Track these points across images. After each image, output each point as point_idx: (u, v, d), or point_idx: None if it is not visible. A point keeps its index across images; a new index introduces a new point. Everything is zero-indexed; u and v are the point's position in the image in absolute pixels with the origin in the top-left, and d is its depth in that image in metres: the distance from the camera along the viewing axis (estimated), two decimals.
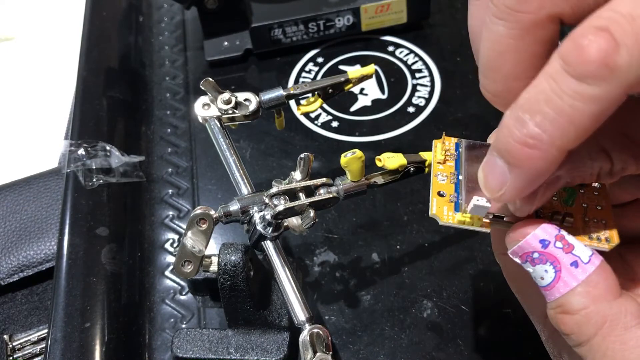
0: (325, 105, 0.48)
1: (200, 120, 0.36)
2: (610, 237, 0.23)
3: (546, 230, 0.22)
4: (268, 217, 0.30)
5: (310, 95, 0.38)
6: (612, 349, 0.20)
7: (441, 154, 0.27)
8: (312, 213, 0.29)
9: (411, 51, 0.52)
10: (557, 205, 0.24)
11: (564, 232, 0.22)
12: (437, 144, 0.27)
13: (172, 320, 0.38)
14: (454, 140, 0.27)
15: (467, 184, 0.25)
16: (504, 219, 0.24)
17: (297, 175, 0.31)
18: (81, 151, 0.43)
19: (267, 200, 0.30)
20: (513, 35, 0.19)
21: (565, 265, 0.21)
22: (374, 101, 0.48)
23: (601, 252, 0.22)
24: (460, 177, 0.26)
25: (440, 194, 0.25)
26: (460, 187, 0.25)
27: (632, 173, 0.22)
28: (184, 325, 0.37)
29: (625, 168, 0.22)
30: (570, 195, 0.24)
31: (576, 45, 0.17)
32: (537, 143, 0.19)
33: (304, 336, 0.28)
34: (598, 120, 0.18)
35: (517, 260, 0.23)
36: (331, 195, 0.30)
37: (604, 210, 0.24)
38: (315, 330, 0.28)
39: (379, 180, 0.32)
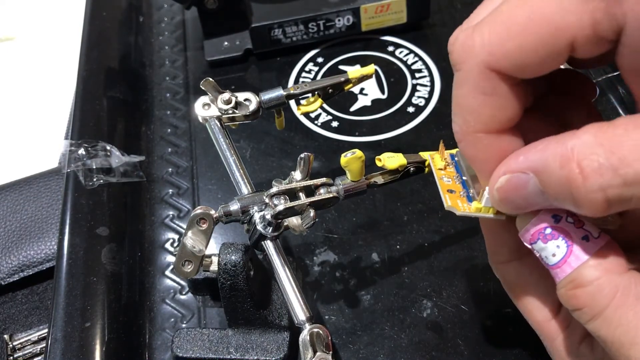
0: (325, 105, 0.48)
1: (201, 120, 0.36)
2: (614, 217, 0.24)
3: (558, 207, 0.22)
4: (268, 217, 0.30)
5: (310, 95, 0.38)
6: (625, 318, 0.21)
7: (441, 161, 0.28)
8: (312, 213, 0.29)
9: (411, 51, 0.52)
10: None
11: None
12: (433, 156, 0.29)
13: (172, 320, 0.38)
14: (447, 153, 0.29)
15: (473, 179, 0.26)
16: None
17: (297, 175, 0.31)
18: (81, 151, 0.43)
19: (267, 200, 0.30)
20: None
21: (576, 239, 0.22)
22: (374, 101, 0.48)
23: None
24: (464, 177, 0.27)
25: (450, 192, 0.26)
26: (467, 184, 0.26)
27: None
28: (184, 325, 0.37)
29: None
30: None
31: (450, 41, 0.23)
32: (457, 135, 0.23)
33: (304, 336, 0.28)
34: (477, 98, 0.22)
35: (527, 242, 0.23)
36: (331, 195, 0.30)
37: None
38: (315, 330, 0.28)
39: (379, 180, 0.32)
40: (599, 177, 0.18)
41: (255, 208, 0.31)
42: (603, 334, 0.21)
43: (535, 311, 0.27)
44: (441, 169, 0.28)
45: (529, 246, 0.23)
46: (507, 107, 0.22)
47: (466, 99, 0.23)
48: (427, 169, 0.32)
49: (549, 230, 0.22)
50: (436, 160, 0.29)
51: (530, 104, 0.24)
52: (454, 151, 0.29)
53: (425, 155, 0.32)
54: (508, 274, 0.28)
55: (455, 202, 0.26)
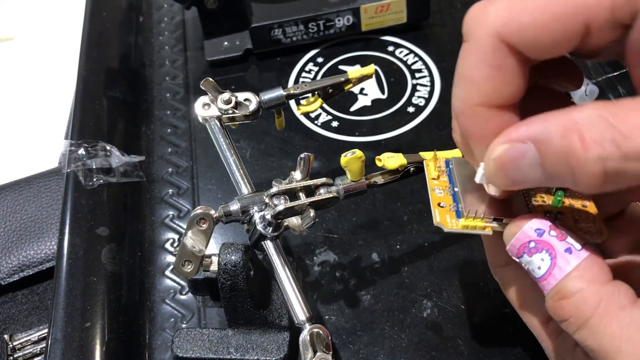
0: (325, 105, 0.48)
1: (201, 120, 0.36)
2: (600, 231, 0.25)
3: (541, 221, 0.23)
4: (268, 216, 0.30)
5: (310, 95, 0.38)
6: (610, 328, 0.21)
7: (435, 170, 0.29)
8: (312, 213, 0.29)
9: (411, 51, 0.52)
10: (547, 206, 0.26)
11: (557, 224, 0.23)
12: (428, 163, 0.29)
13: (172, 320, 0.38)
14: (443, 157, 0.29)
15: (464, 192, 0.26)
16: (503, 220, 0.25)
17: (297, 175, 0.31)
18: (81, 151, 0.43)
19: (267, 200, 0.30)
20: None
21: (559, 252, 0.22)
22: (374, 101, 0.48)
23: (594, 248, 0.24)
24: (456, 189, 0.27)
25: (440, 205, 0.27)
26: (458, 197, 0.27)
27: None
28: (184, 325, 0.37)
29: None
30: (558, 197, 0.25)
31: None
32: (456, 109, 0.23)
33: (304, 336, 0.28)
34: (484, 69, 0.22)
35: (514, 256, 0.24)
36: (331, 195, 0.30)
37: (589, 208, 0.26)
38: (315, 330, 0.28)
39: (379, 180, 0.32)
40: (599, 148, 0.19)
41: (255, 208, 0.31)
42: (590, 344, 0.21)
43: (533, 314, 0.27)
44: (434, 179, 0.28)
45: (517, 260, 0.24)
46: (512, 83, 0.22)
47: (472, 70, 0.22)
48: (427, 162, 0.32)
49: (533, 244, 0.23)
50: (430, 168, 0.29)
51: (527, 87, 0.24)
52: (449, 156, 0.29)
53: (425, 155, 0.32)
54: (506, 277, 0.28)
55: (444, 218, 0.26)
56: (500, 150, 0.22)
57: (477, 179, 0.24)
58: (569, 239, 0.23)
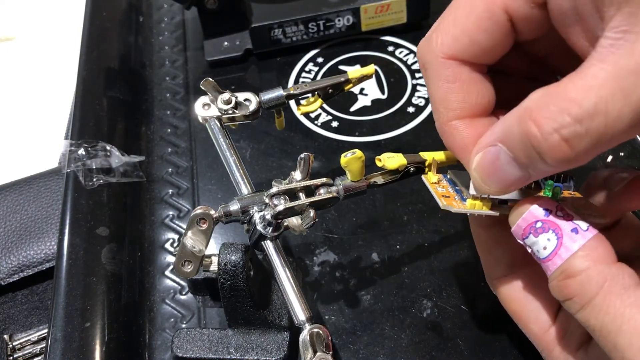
0: (325, 105, 0.48)
1: (201, 120, 0.36)
2: (601, 215, 0.25)
3: (547, 202, 0.24)
4: (268, 217, 0.30)
5: (310, 95, 0.38)
6: (613, 307, 0.21)
7: (434, 176, 0.30)
8: (312, 213, 0.29)
9: (411, 51, 0.52)
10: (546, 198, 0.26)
11: (563, 205, 0.24)
12: (427, 171, 0.30)
13: (172, 320, 0.38)
14: (437, 176, 0.30)
15: (468, 192, 0.27)
16: (508, 203, 0.26)
17: (297, 175, 0.31)
18: (81, 151, 0.43)
19: (267, 200, 0.30)
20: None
21: (566, 232, 0.23)
22: (374, 101, 0.48)
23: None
24: (457, 187, 0.28)
25: (444, 196, 0.27)
26: (461, 191, 0.28)
27: None
28: (184, 325, 0.37)
29: None
30: (547, 187, 0.26)
31: None
32: (438, 130, 0.26)
33: (304, 336, 0.28)
34: (443, 87, 0.24)
35: (519, 238, 0.24)
36: (331, 195, 0.30)
37: (585, 199, 0.27)
38: (315, 330, 0.28)
39: (379, 180, 0.32)
40: (551, 122, 0.19)
41: (255, 208, 0.31)
42: (592, 323, 0.22)
43: (532, 324, 0.28)
44: (435, 183, 0.29)
45: (521, 242, 0.24)
46: (472, 91, 0.24)
47: (435, 91, 0.25)
48: (426, 170, 0.32)
49: (539, 224, 0.23)
50: (429, 176, 0.30)
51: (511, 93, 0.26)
52: (444, 158, 0.30)
53: (425, 155, 0.32)
54: (504, 289, 0.29)
55: (451, 202, 0.27)
56: (477, 159, 0.23)
57: (471, 191, 0.26)
58: (576, 220, 0.23)
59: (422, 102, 0.48)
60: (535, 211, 0.24)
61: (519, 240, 0.24)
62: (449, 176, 0.29)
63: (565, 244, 0.22)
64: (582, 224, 0.23)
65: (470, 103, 0.24)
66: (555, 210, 0.23)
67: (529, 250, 0.24)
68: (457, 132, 0.25)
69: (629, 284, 0.21)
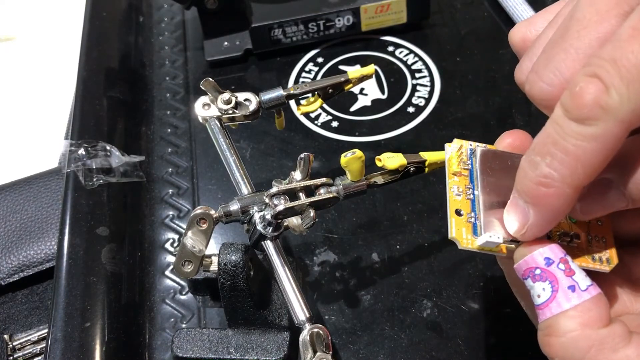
0: (325, 105, 0.48)
1: (201, 120, 0.36)
2: (610, 258, 0.24)
3: (553, 251, 0.23)
4: (268, 217, 0.30)
5: (310, 95, 0.38)
6: None
7: (457, 166, 0.26)
8: (312, 213, 0.29)
9: (411, 51, 0.52)
10: (564, 224, 0.25)
11: (568, 257, 0.23)
12: (450, 151, 0.26)
13: (172, 320, 0.38)
14: (466, 145, 0.27)
15: (484, 204, 0.25)
16: (519, 242, 0.24)
17: (297, 175, 0.31)
18: (81, 151, 0.43)
19: (267, 200, 0.30)
20: None
21: (562, 287, 0.22)
22: (374, 101, 0.48)
23: (602, 273, 0.24)
24: (476, 192, 0.25)
25: (457, 213, 0.25)
26: (477, 204, 0.25)
27: None
28: (184, 325, 0.37)
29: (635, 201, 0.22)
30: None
31: (572, 93, 0.20)
32: (550, 182, 0.21)
33: (304, 336, 0.28)
34: (603, 156, 0.20)
35: (520, 275, 0.23)
36: (331, 195, 0.30)
37: (604, 226, 0.25)
38: (315, 330, 0.28)
39: (379, 180, 0.32)
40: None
41: (255, 208, 0.31)
42: None
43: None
44: (455, 174, 0.26)
45: (522, 279, 0.23)
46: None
47: (595, 156, 0.20)
48: (427, 169, 0.32)
49: (538, 272, 0.22)
50: (452, 162, 0.26)
51: None
52: (474, 145, 0.27)
53: (425, 155, 0.32)
54: (510, 264, 0.28)
55: (460, 232, 0.24)
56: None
57: (480, 242, 0.24)
58: (577, 276, 0.22)
59: (422, 102, 0.48)
60: (537, 257, 0.23)
61: (519, 276, 0.23)
62: (474, 158, 0.26)
63: (559, 299, 0.22)
64: (583, 282, 0.22)
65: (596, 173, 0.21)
66: (558, 262, 0.22)
67: (528, 290, 0.23)
68: (570, 199, 0.21)
69: (619, 346, 0.21)
